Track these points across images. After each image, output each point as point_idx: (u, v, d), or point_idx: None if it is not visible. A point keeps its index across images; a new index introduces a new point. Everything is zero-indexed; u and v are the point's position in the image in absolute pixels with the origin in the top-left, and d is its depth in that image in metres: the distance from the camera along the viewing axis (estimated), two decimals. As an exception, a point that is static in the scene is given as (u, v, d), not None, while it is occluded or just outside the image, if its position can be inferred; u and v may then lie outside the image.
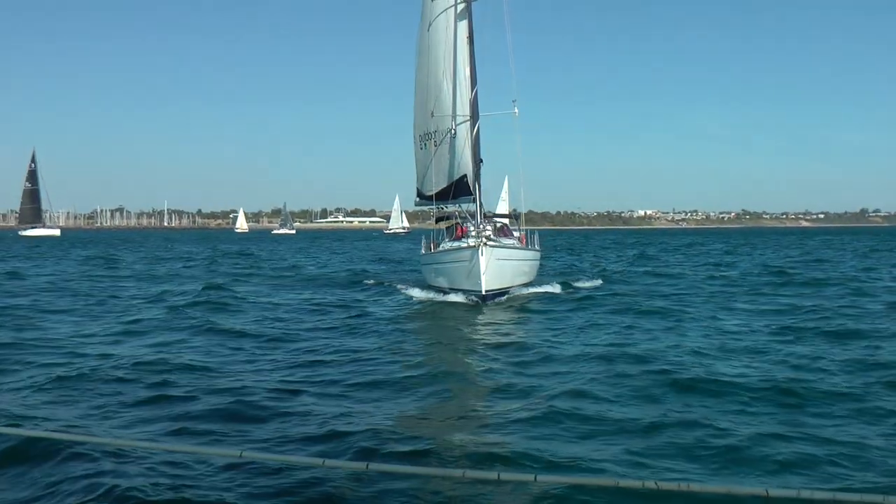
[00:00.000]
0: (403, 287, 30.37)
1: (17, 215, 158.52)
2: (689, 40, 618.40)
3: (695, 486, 4.44)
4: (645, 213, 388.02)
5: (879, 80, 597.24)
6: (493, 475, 5.71)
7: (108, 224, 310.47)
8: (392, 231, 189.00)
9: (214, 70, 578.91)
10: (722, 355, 15.16)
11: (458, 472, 5.53)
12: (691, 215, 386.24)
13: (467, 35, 30.23)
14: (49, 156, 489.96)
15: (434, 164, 30.84)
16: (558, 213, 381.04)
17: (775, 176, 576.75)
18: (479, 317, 22.37)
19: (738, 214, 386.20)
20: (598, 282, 33.82)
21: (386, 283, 33.11)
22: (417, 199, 32.52)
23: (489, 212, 33.16)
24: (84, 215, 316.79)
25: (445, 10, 30.31)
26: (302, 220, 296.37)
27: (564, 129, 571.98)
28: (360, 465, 6.68)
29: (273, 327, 19.83)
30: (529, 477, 3.74)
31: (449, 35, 29.93)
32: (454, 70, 29.99)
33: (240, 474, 8.13)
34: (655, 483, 3.62)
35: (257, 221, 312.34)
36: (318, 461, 4.64)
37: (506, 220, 35.42)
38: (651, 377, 12.87)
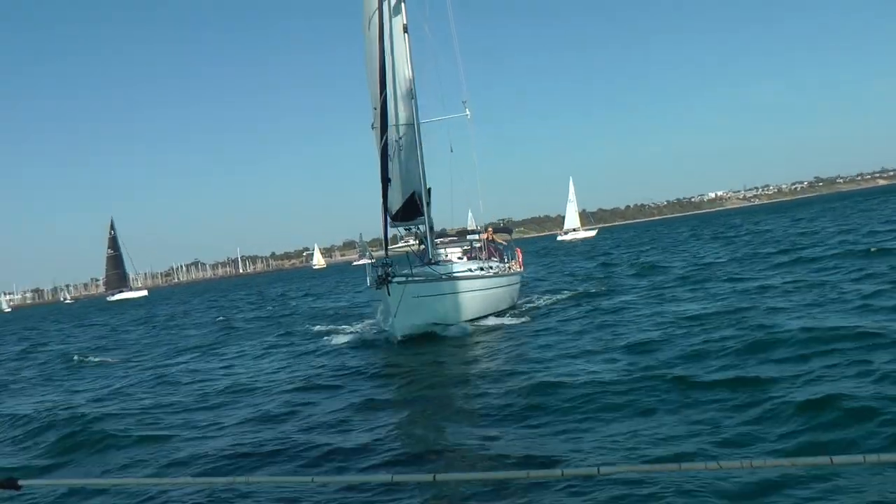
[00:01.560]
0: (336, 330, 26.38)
1: (101, 282, 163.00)
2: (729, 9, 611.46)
3: (757, 462, 4.38)
4: (716, 194, 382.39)
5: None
6: (556, 473, 5.71)
7: (185, 279, 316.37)
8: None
9: (271, 114, 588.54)
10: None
11: (522, 474, 5.54)
12: (763, 191, 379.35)
13: (403, 26, 26.24)
14: (123, 221, 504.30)
15: (394, 178, 26.17)
16: (627, 206, 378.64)
17: (844, 136, 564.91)
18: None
19: (810, 183, 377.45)
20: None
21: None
22: (389, 221, 26.36)
23: (476, 227, 31.10)
24: (161, 273, 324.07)
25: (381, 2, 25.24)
26: (374, 249, 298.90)
27: (623, 120, 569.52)
28: (427, 477, 6.76)
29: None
30: (593, 470, 3.75)
31: (385, 32, 25.09)
32: (393, 71, 25.76)
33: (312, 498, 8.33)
34: (718, 464, 3.59)
35: (330, 256, 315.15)
36: (387, 477, 4.69)
37: (482, 236, 29.69)
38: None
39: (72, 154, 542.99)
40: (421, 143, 26.20)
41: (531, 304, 27.59)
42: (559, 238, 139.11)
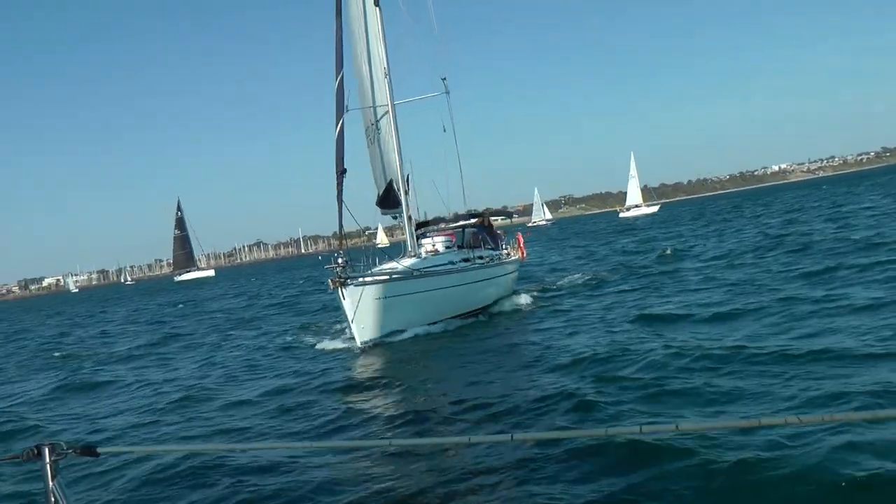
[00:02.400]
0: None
1: (165, 263, 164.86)
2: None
3: (839, 416, 4.43)
4: (779, 167, 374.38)
5: None
6: (634, 430, 5.79)
7: (247, 259, 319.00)
8: (534, 224, 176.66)
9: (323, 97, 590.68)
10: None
11: (600, 431, 5.62)
12: (827, 162, 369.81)
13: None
14: (188, 203, 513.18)
15: (374, 164, 25.33)
16: (689, 181, 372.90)
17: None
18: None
19: (877, 153, 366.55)
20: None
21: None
22: (380, 211, 25.59)
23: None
24: (224, 253, 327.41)
25: None
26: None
27: (679, 92, 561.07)
28: (504, 437, 6.89)
29: None
30: (671, 427, 3.86)
31: (358, 8, 23.94)
32: (368, 51, 24.31)
33: (393, 460, 8.60)
34: (798, 418, 3.68)
35: (392, 234, 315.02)
36: (464, 439, 4.81)
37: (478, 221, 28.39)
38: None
39: (139, 137, 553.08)
40: (397, 126, 24.71)
41: (521, 297, 25.78)
42: (621, 215, 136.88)
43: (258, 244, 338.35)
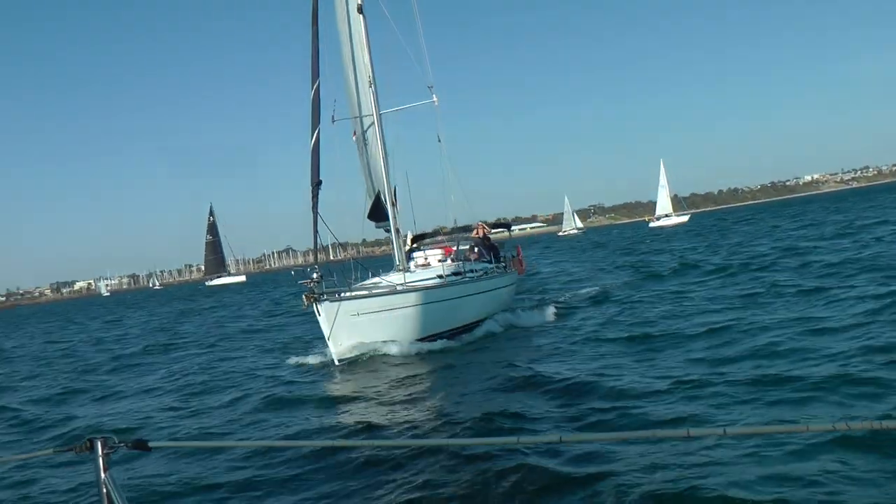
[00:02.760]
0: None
1: (199, 268, 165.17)
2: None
3: (887, 424, 4.50)
4: (812, 177, 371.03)
5: None
6: (682, 433, 5.92)
7: (276, 265, 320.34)
8: (565, 233, 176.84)
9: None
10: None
11: (647, 433, 5.73)
12: (861, 173, 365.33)
13: (357, 6, 23.51)
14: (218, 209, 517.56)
15: (364, 176, 24.75)
16: (720, 191, 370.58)
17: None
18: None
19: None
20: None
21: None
22: (374, 224, 24.91)
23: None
24: (253, 259, 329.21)
25: None
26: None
27: (708, 100, 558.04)
28: (553, 438, 7.03)
29: None
30: (719, 431, 4.00)
31: (342, 13, 23.52)
32: (353, 56, 23.69)
33: (440, 460, 8.79)
34: (846, 424, 3.80)
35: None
36: (513, 439, 4.98)
37: (480, 233, 27.95)
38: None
39: (174, 144, 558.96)
40: (383, 136, 24.05)
41: (516, 313, 24.62)
42: (651, 225, 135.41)
43: (287, 250, 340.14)
